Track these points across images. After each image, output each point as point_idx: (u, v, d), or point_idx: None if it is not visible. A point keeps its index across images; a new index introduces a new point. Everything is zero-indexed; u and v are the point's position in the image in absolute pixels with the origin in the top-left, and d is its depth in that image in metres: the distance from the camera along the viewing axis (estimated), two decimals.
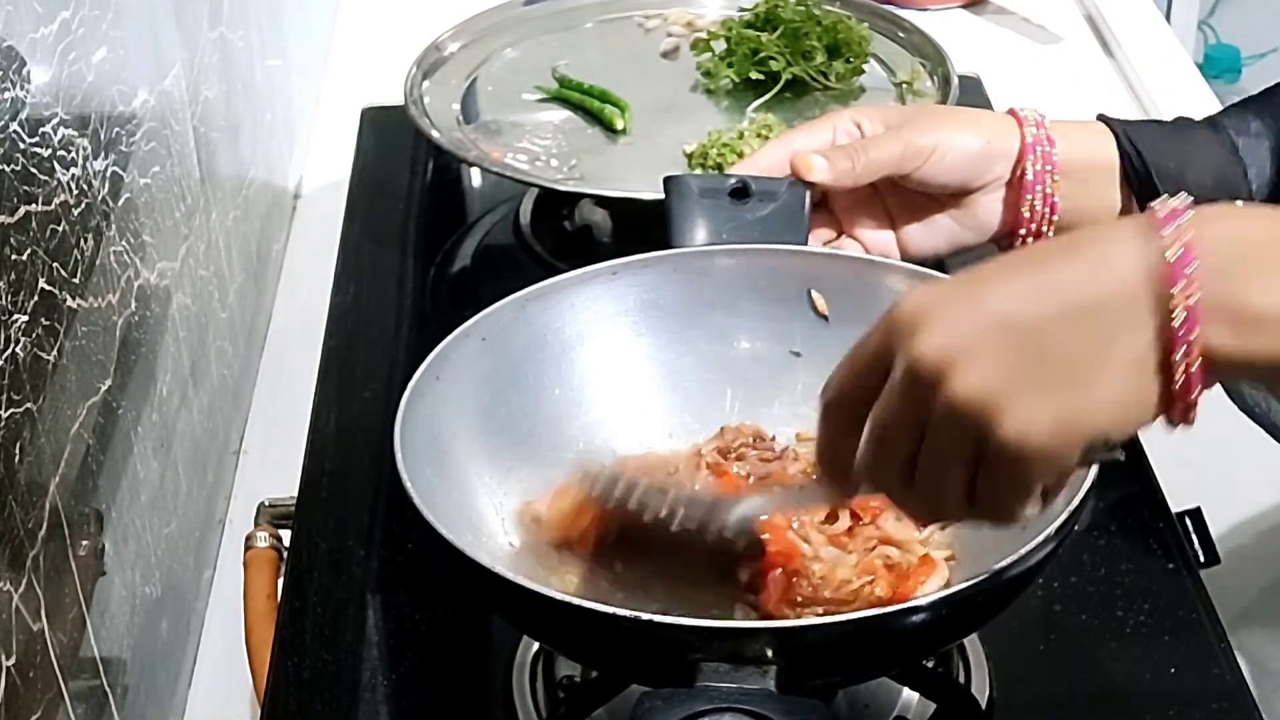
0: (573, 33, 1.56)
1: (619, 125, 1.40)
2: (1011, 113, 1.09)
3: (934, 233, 1.10)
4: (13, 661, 0.81)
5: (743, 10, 1.51)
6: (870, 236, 1.11)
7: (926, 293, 0.72)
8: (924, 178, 1.07)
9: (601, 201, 1.40)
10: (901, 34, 1.51)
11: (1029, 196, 1.07)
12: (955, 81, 1.40)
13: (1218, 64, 3.33)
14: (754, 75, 1.45)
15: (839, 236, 1.11)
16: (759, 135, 1.34)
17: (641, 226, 1.31)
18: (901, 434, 0.73)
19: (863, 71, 1.46)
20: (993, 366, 0.69)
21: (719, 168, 1.31)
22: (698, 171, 1.33)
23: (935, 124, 1.07)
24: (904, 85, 1.45)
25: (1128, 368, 0.69)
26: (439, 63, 1.48)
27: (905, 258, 1.09)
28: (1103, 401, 0.69)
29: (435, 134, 1.36)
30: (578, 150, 1.37)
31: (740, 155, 1.29)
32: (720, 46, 1.48)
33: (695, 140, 1.35)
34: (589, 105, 1.42)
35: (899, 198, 1.10)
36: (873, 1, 1.55)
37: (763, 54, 1.45)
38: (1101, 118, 1.10)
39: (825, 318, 1.01)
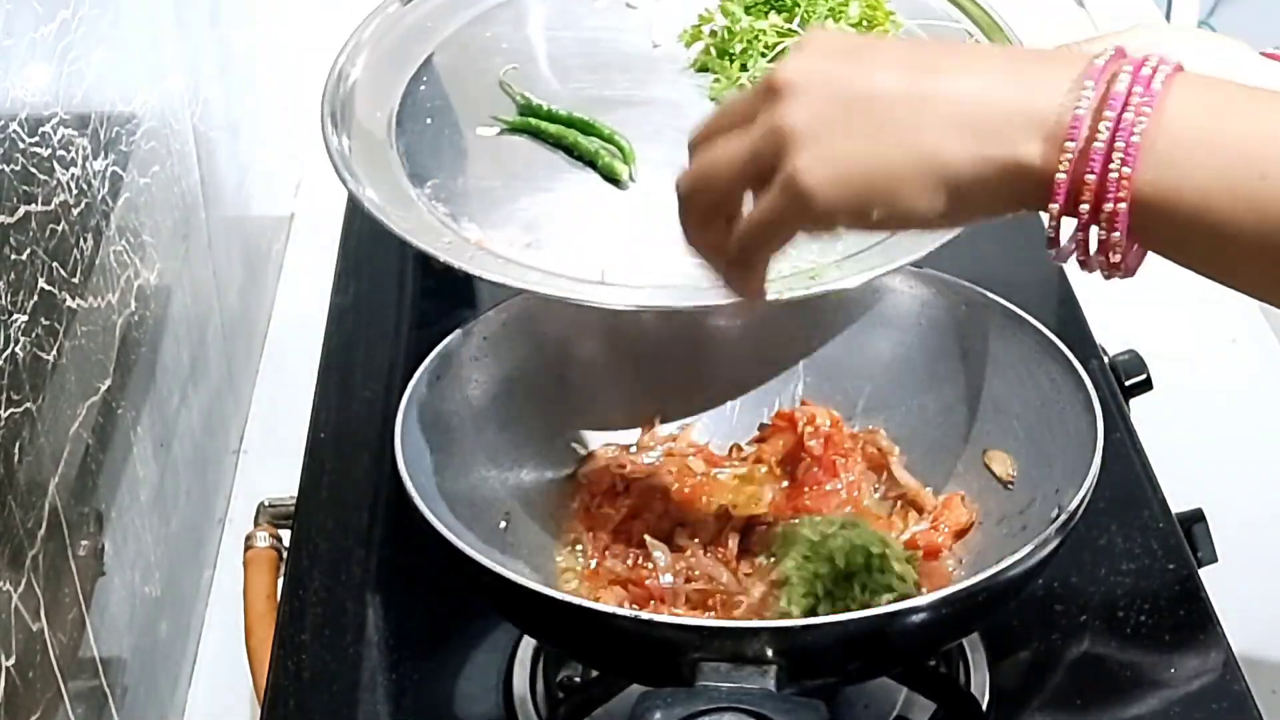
0: (509, 15, 1.15)
1: (623, 175, 1.02)
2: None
3: None
4: (12, 661, 0.81)
5: None
6: None
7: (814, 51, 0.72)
8: None
9: None
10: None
11: None
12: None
13: None
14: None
15: None
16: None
17: None
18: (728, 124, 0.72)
19: None
20: (826, 97, 0.69)
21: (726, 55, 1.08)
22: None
23: None
24: None
25: (923, 146, 0.68)
26: (349, 100, 1.06)
27: None
28: (876, 170, 0.69)
29: (393, 226, 0.94)
30: (584, 223, 1.00)
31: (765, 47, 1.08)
32: (721, 24, 1.13)
33: None
34: (572, 144, 1.04)
35: None
36: None
37: (782, 48, 1.13)
38: None
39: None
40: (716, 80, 1.11)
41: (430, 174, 1.02)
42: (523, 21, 1.15)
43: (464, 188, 1.01)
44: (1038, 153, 0.67)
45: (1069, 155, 0.66)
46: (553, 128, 1.05)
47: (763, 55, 1.11)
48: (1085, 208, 0.66)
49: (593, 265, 0.95)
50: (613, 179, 1.02)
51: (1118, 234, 0.66)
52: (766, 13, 1.14)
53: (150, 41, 1.16)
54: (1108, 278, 0.70)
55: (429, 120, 1.06)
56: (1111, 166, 0.65)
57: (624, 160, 1.02)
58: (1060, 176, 0.66)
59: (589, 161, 1.03)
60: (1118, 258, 0.68)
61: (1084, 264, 0.70)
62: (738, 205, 0.73)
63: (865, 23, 1.17)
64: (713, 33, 1.12)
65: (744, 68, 1.11)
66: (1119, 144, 0.65)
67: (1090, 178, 0.66)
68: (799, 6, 1.15)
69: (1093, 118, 0.66)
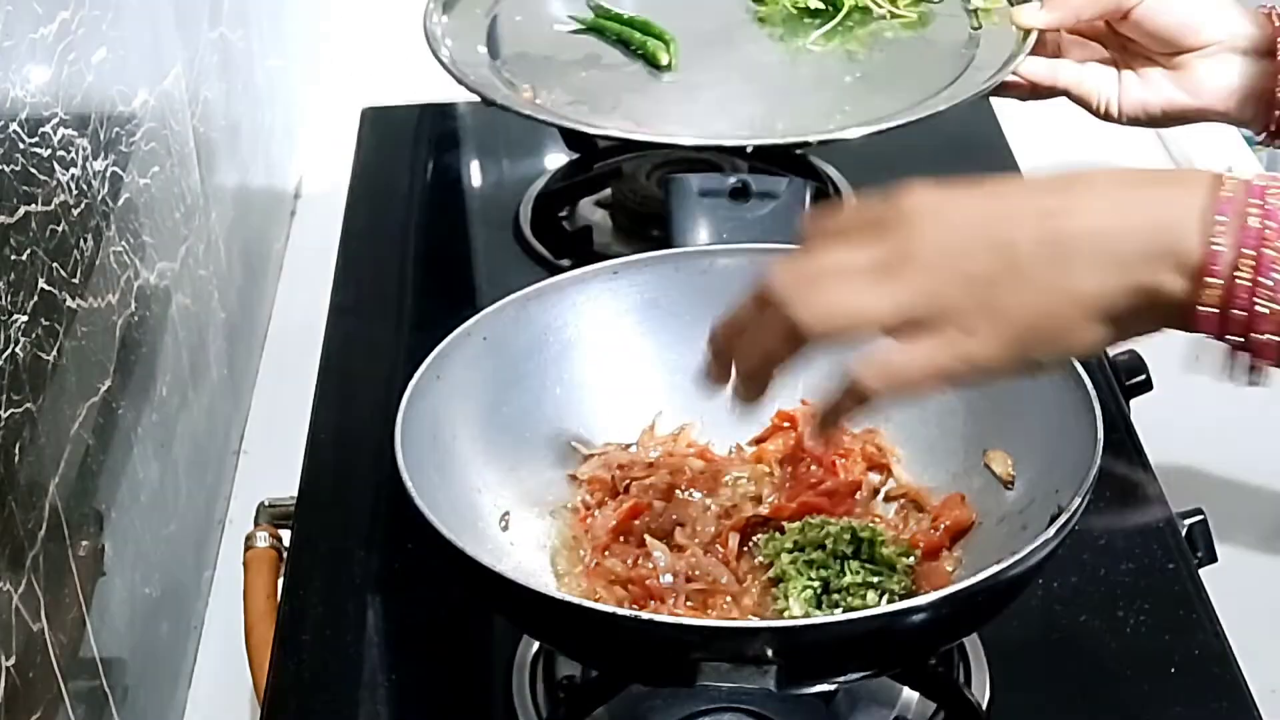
0: None
1: (664, 60, 1.26)
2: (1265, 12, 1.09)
3: (1151, 89, 1.11)
4: (13, 662, 0.81)
5: None
6: (1091, 71, 1.12)
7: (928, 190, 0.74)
8: (1139, 18, 1.08)
9: (601, 201, 1.39)
10: None
11: None
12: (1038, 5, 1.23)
13: None
14: (813, 3, 1.33)
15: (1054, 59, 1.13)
16: None
17: (642, 226, 1.32)
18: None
19: None
20: (968, 268, 0.71)
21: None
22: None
23: None
24: (977, 12, 1.31)
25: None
26: None
27: (1123, 112, 1.11)
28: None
29: (458, 71, 1.24)
30: (618, 89, 1.25)
31: None
32: None
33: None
34: (629, 38, 1.29)
35: (1119, 44, 1.11)
36: None
37: None
38: None
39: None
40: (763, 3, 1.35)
41: (505, 51, 1.30)
42: None
43: (531, 64, 1.28)
44: (1181, 286, 0.69)
45: (1213, 291, 0.68)
46: (615, 25, 1.31)
47: None
48: (1234, 338, 0.69)
49: (625, 122, 1.20)
50: (655, 65, 1.27)
51: (1268, 360, 0.70)
52: None
53: (150, 41, 1.16)
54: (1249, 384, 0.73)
55: (518, 18, 1.35)
56: (1259, 302, 0.68)
57: (667, 51, 1.26)
58: (1206, 310, 0.69)
59: (640, 52, 1.28)
60: (1260, 376, 0.71)
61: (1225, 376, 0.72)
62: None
63: None
64: None
65: None
66: (1264, 281, 0.68)
67: (1238, 314, 0.68)
68: None
69: (1232, 254, 0.68)
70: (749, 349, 0.78)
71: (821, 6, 1.33)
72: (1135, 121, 1.13)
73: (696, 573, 0.91)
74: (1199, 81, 1.11)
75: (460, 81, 1.23)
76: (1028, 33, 1.20)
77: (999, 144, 1.46)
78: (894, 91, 1.24)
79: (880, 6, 1.33)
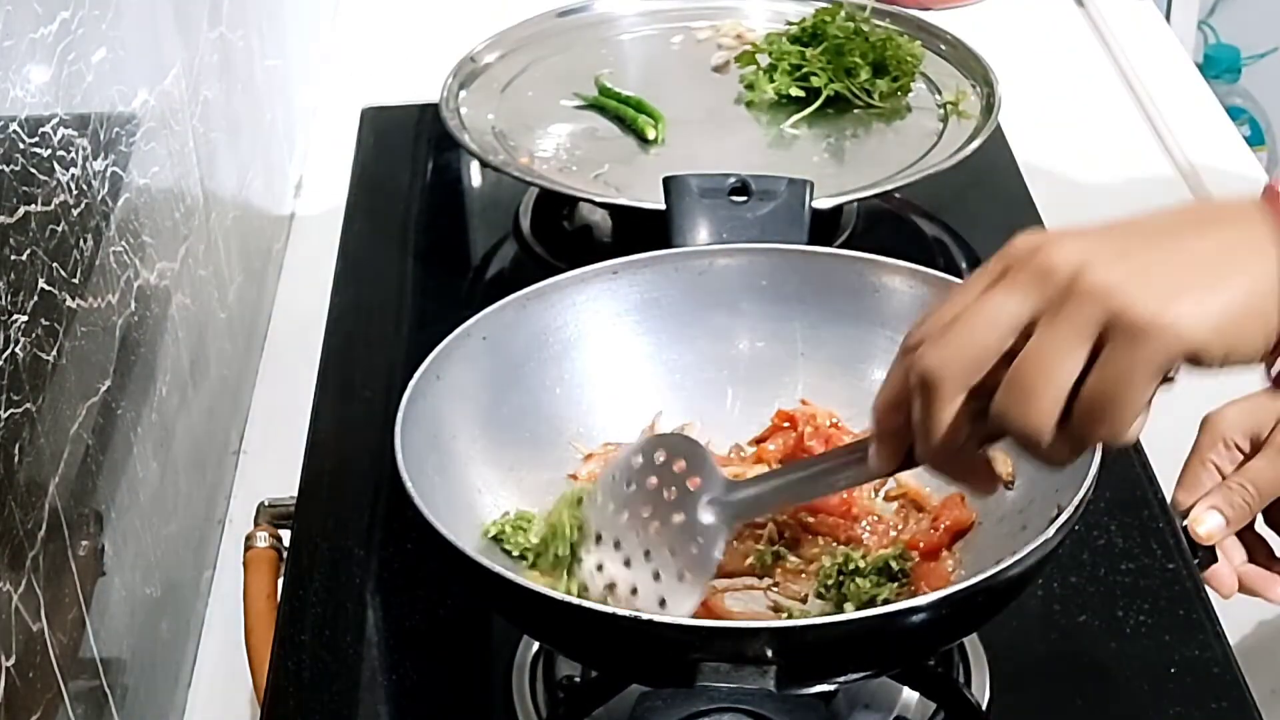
0: (624, 41, 1.57)
1: (651, 135, 1.39)
2: None
3: None
4: (12, 662, 0.81)
5: (789, 24, 1.50)
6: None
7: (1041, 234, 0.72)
8: None
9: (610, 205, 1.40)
10: (944, 48, 1.50)
11: None
12: (999, 102, 1.39)
13: (1218, 64, 3.33)
14: (794, 91, 1.44)
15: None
16: None
17: (641, 226, 1.32)
18: (994, 334, 0.71)
19: (909, 90, 1.45)
20: (1124, 259, 0.69)
21: None
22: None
23: None
24: (949, 106, 1.43)
25: (1255, 283, 0.70)
26: (476, 73, 1.48)
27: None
28: (1230, 303, 0.69)
29: (465, 137, 1.37)
30: (606, 157, 1.38)
31: None
32: (765, 60, 1.47)
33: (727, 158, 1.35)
34: (624, 114, 1.42)
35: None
36: (897, 7, 1.54)
37: (805, 69, 1.44)
38: None
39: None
40: (749, 87, 1.47)
41: (512, 120, 1.43)
42: (620, 45, 1.57)
43: (532, 134, 1.42)
44: None
45: None
46: (613, 104, 1.44)
47: (787, 74, 1.44)
48: None
49: (607, 188, 1.33)
50: (644, 139, 1.40)
51: None
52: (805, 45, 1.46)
53: (150, 41, 1.16)
54: None
55: (530, 93, 1.48)
56: None
57: (655, 127, 1.40)
58: None
59: (633, 128, 1.41)
60: None
61: None
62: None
63: (895, 62, 1.43)
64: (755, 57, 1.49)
65: (771, 79, 1.44)
66: None
67: None
68: (834, 39, 1.44)
69: None
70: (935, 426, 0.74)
71: (803, 95, 1.44)
72: None
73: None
74: None
75: (465, 148, 1.37)
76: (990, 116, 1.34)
77: (1011, 169, 1.46)
78: (859, 168, 1.36)
79: (858, 99, 1.44)
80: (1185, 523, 1.01)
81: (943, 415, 0.73)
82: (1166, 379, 0.71)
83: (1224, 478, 1.03)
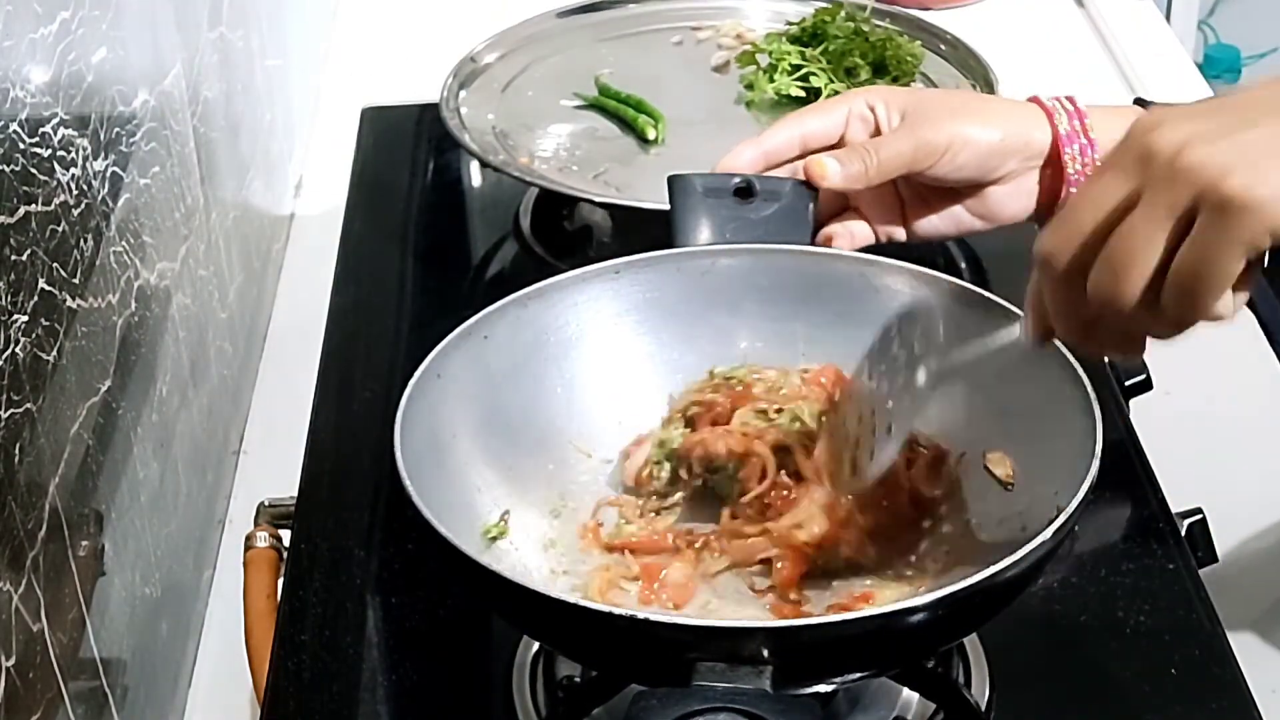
0: (625, 41, 1.58)
1: (651, 135, 1.40)
2: (1036, 101, 1.08)
3: (944, 220, 1.10)
4: (13, 662, 0.81)
5: (789, 24, 1.50)
6: (880, 219, 1.09)
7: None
8: (937, 175, 1.05)
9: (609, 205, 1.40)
10: (944, 47, 1.50)
11: (1072, 190, 1.05)
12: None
13: (1218, 64, 3.33)
14: (794, 91, 1.44)
15: (845, 212, 1.09)
16: None
17: (642, 226, 1.32)
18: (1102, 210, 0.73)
19: None
20: (1224, 137, 0.70)
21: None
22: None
23: (950, 118, 1.06)
24: None
25: None
26: (476, 73, 1.49)
27: (911, 239, 1.09)
28: None
29: (465, 137, 1.37)
30: (606, 158, 1.38)
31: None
32: (765, 60, 1.47)
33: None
34: (624, 114, 1.43)
35: (911, 187, 1.09)
36: (897, 7, 1.54)
37: (805, 69, 1.44)
38: (1139, 101, 1.09)
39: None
40: (749, 87, 1.47)
41: (512, 120, 1.44)
42: (620, 45, 1.58)
43: (532, 134, 1.42)
44: None
45: None
46: (613, 104, 1.45)
47: (787, 74, 1.45)
48: None
49: (607, 188, 1.34)
50: (644, 139, 1.41)
51: None
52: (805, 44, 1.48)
53: (150, 41, 1.16)
54: None
55: (530, 93, 1.49)
56: None
57: (655, 127, 1.41)
58: None
59: (633, 128, 1.42)
60: None
61: None
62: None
63: (895, 62, 1.33)
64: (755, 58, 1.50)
65: (771, 80, 1.45)
66: None
67: None
68: (834, 40, 1.46)
69: None
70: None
71: (803, 94, 1.44)
72: (918, 242, 1.10)
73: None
74: (995, 206, 1.08)
75: (465, 147, 1.37)
76: None
77: None
78: None
79: None
80: (805, 166, 1.06)
81: (1057, 293, 0.77)
82: (1258, 263, 0.72)
83: None
